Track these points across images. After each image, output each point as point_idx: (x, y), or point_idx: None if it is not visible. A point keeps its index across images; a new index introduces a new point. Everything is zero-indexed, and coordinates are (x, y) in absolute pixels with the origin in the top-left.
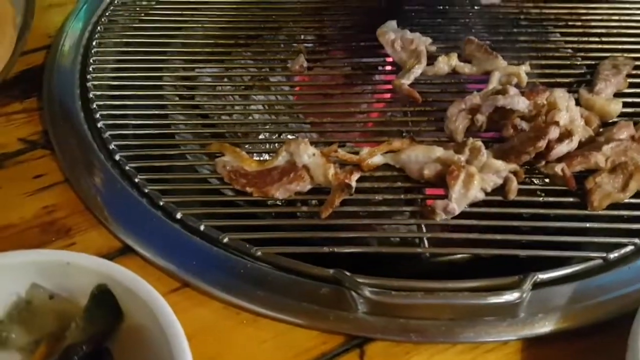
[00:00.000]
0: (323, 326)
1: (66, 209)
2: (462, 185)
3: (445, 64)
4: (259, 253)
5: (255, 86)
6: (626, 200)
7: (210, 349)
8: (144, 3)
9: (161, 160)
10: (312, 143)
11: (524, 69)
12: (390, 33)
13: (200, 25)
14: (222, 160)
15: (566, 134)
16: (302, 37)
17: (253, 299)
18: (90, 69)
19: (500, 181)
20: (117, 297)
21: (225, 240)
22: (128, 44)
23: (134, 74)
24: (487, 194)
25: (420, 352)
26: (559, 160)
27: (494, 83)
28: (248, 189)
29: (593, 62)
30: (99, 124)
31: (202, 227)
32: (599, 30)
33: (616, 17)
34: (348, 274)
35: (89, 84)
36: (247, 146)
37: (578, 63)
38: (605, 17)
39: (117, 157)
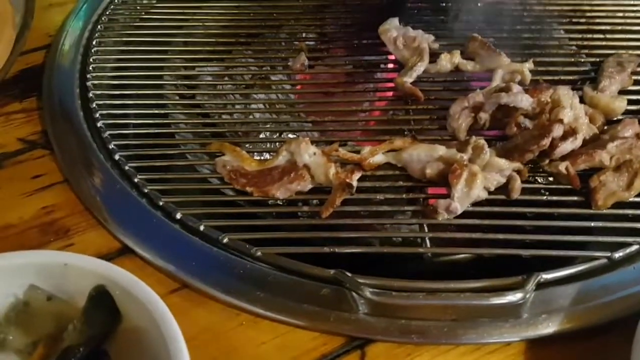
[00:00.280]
0: (324, 327)
1: (65, 209)
2: (465, 184)
3: (448, 61)
4: (259, 253)
5: (256, 85)
6: (631, 199)
7: (210, 351)
8: (144, 2)
9: (161, 159)
10: (313, 142)
11: (528, 66)
12: (392, 30)
13: (201, 23)
14: (222, 159)
15: (570, 132)
16: (303, 35)
17: (253, 300)
18: (90, 69)
19: (503, 180)
20: (115, 298)
21: (225, 240)
22: (128, 43)
23: (134, 73)
24: (490, 193)
25: (422, 353)
26: (563, 158)
27: (497, 80)
28: (248, 189)
29: (597, 59)
30: (99, 124)
31: (202, 228)
32: (603, 27)
33: (621, 14)
34: (349, 274)
35: (88, 84)
36: (247, 145)
37: (582, 60)
38: (609, 14)
39: (116, 157)
